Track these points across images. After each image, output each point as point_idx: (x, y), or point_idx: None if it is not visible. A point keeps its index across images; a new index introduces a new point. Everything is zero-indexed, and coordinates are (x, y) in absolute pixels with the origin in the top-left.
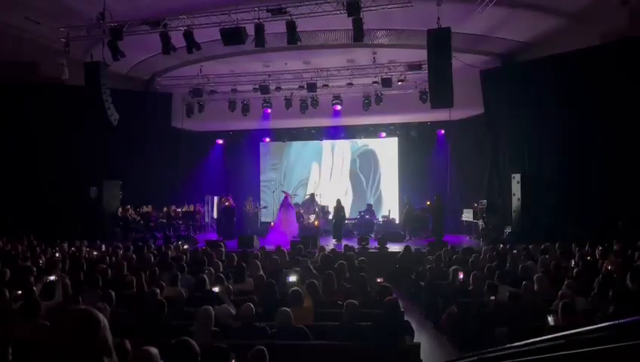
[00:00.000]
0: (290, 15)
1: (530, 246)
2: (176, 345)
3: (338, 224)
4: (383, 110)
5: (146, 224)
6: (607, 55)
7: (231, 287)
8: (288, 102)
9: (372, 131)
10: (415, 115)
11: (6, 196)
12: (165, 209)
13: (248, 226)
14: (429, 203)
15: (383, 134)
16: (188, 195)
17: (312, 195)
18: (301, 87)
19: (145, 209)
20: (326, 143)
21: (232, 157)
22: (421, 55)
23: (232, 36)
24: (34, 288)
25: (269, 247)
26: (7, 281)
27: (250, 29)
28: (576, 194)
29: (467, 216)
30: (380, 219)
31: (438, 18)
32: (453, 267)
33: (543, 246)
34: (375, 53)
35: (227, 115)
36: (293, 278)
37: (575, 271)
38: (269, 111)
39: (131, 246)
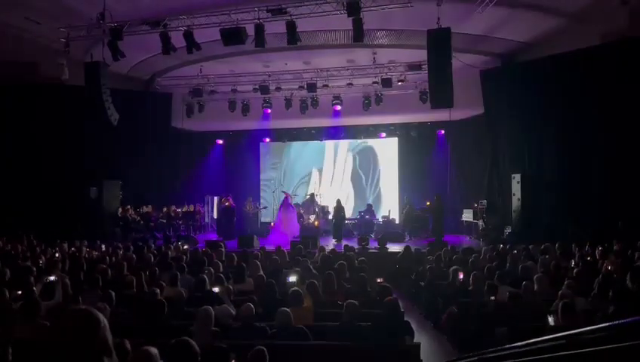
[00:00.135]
0: (290, 15)
1: (530, 247)
2: (176, 345)
3: (338, 224)
4: (383, 110)
5: (146, 224)
6: (607, 55)
7: (231, 287)
8: (288, 102)
9: (372, 131)
10: (415, 115)
11: (6, 196)
12: (165, 209)
13: (248, 226)
14: (428, 203)
15: (383, 134)
16: (188, 195)
17: (312, 195)
18: (301, 88)
19: (145, 209)
20: (326, 143)
21: (232, 158)
22: (421, 55)
23: (232, 36)
24: (34, 288)
25: (269, 247)
26: (7, 281)
27: (250, 29)
28: (576, 194)
29: (467, 216)
30: (380, 219)
31: (438, 18)
32: (453, 267)
33: (543, 247)
34: (375, 54)
35: (227, 115)
36: (293, 278)
37: (575, 271)
38: (269, 111)
39: (131, 247)
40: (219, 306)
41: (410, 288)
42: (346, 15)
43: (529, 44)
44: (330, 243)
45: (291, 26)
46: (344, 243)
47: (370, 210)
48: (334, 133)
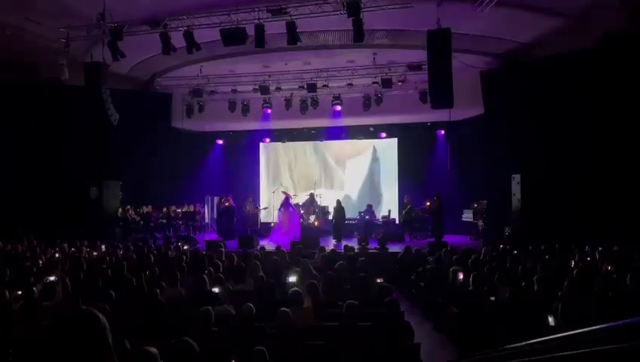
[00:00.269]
0: (290, 15)
1: (530, 247)
2: (176, 345)
3: (338, 224)
4: (383, 110)
5: (146, 224)
6: (607, 55)
7: (231, 288)
8: (288, 102)
9: (372, 132)
10: (415, 116)
11: (6, 196)
12: (165, 209)
13: (248, 227)
14: (428, 203)
15: (383, 135)
16: (188, 195)
17: (312, 195)
18: (301, 88)
19: (145, 209)
20: (326, 143)
21: (232, 158)
22: (421, 55)
23: (232, 37)
24: (34, 288)
25: (269, 248)
26: (7, 281)
27: (250, 30)
28: (577, 194)
29: (467, 216)
30: (380, 220)
31: (438, 19)
32: (453, 267)
33: (543, 247)
34: (375, 54)
35: (227, 116)
36: (293, 279)
37: (575, 271)
38: (269, 111)
39: (131, 247)
40: (219, 306)
41: (411, 288)
42: (346, 15)
43: (529, 45)
44: (330, 244)
45: (291, 27)
46: (344, 243)
47: (370, 210)
48: (334, 133)
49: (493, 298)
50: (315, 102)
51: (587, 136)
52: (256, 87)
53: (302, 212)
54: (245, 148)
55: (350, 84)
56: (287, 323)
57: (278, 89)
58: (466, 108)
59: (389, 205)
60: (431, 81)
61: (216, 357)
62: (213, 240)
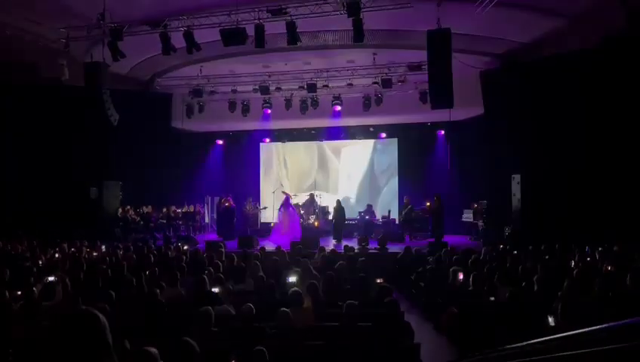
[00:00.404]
0: (290, 16)
1: (530, 247)
2: (176, 345)
3: (338, 224)
4: (383, 111)
5: (146, 224)
6: (607, 55)
7: (231, 288)
8: (288, 102)
9: (372, 132)
10: (415, 116)
11: (6, 196)
12: (165, 209)
13: (248, 227)
14: (428, 204)
15: (383, 135)
16: (188, 196)
17: (312, 196)
18: (301, 88)
19: (145, 209)
20: (326, 144)
21: (232, 158)
22: (421, 55)
23: (232, 37)
24: (34, 288)
25: (269, 248)
26: (7, 281)
27: (250, 30)
28: (577, 194)
29: (467, 216)
30: (380, 220)
31: (438, 19)
32: (453, 268)
33: (543, 247)
34: (375, 54)
35: (227, 116)
36: (293, 279)
37: (575, 271)
38: (269, 111)
39: (131, 247)
40: (219, 306)
41: (411, 288)
42: (346, 15)
43: (529, 45)
44: (330, 244)
45: (291, 27)
46: (344, 243)
47: (370, 210)
48: (334, 133)
49: (493, 298)
50: (315, 103)
51: (587, 136)
52: (256, 87)
53: (302, 212)
54: (245, 148)
55: (350, 84)
56: (287, 324)
57: (278, 89)
58: (466, 108)
59: (389, 205)
60: (431, 81)
61: (216, 357)
62: (213, 241)
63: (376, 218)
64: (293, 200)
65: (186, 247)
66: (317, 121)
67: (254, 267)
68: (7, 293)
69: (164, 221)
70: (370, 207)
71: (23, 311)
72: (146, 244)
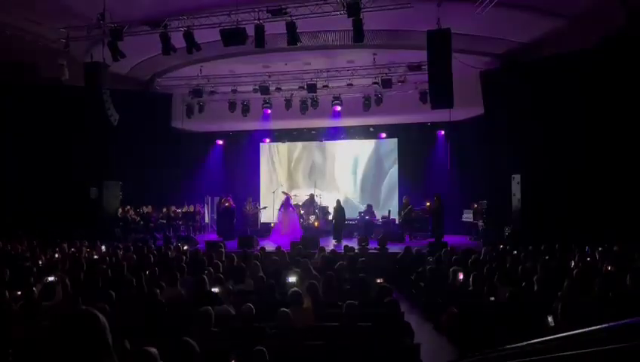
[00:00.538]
0: (290, 16)
1: (530, 247)
2: (177, 345)
3: (338, 225)
4: (383, 111)
5: (146, 224)
6: (607, 55)
7: (231, 288)
8: (288, 102)
9: (372, 132)
10: (415, 116)
11: (6, 196)
12: (165, 209)
13: (248, 227)
14: (428, 204)
15: (383, 135)
16: (188, 196)
17: (312, 196)
18: (301, 88)
19: (145, 209)
20: (326, 144)
21: (232, 158)
22: (421, 55)
23: (233, 37)
24: (34, 288)
25: (269, 248)
26: (7, 281)
27: (251, 30)
28: (577, 194)
29: (467, 216)
30: (380, 220)
31: (438, 19)
32: (453, 268)
33: (542, 247)
34: (375, 54)
35: (227, 116)
36: (293, 279)
37: (575, 271)
38: (269, 111)
39: (131, 247)
40: (219, 306)
41: (411, 288)
42: (346, 16)
43: (529, 45)
44: (330, 244)
45: (291, 27)
46: (344, 243)
47: (370, 210)
48: (334, 133)
49: (493, 298)
50: (315, 103)
51: (587, 136)
52: (256, 87)
53: (302, 212)
54: (245, 149)
55: (350, 85)
56: (287, 324)
57: (278, 89)
58: (466, 108)
59: (389, 205)
60: (431, 81)
61: (216, 357)
62: (213, 241)
63: (376, 218)
64: (293, 201)
65: (186, 247)
66: (317, 121)
67: (254, 267)
68: (7, 293)
69: (164, 221)
70: (370, 207)
71: (23, 311)
72: (146, 244)
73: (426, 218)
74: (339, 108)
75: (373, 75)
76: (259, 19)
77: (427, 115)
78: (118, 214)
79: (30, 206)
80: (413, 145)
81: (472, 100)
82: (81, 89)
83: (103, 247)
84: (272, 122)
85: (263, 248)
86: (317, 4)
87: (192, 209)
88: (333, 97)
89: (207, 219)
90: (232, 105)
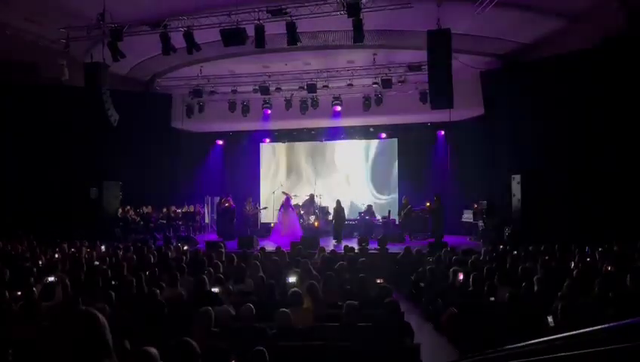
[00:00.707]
0: (290, 16)
1: (530, 247)
2: (177, 345)
3: (338, 225)
4: (383, 111)
5: (146, 225)
6: (607, 55)
7: (231, 288)
8: (288, 102)
9: (372, 132)
10: (415, 116)
11: (6, 196)
12: (165, 210)
13: (248, 227)
14: (428, 204)
15: (383, 135)
16: (188, 196)
17: (312, 196)
18: (301, 88)
19: (145, 209)
20: (326, 144)
21: (232, 158)
22: (421, 56)
23: (233, 37)
24: (34, 289)
25: (269, 248)
26: (7, 282)
27: (251, 30)
28: (577, 194)
29: (467, 216)
30: (380, 220)
31: (438, 19)
32: (453, 268)
33: (542, 247)
34: (375, 54)
35: (227, 116)
36: (293, 279)
37: (575, 272)
38: (269, 112)
39: (131, 247)
40: (219, 307)
41: (411, 289)
42: (346, 16)
43: (529, 45)
44: (330, 244)
45: (291, 27)
46: (344, 243)
47: (370, 210)
48: (334, 133)
49: (493, 298)
50: (315, 103)
51: (587, 136)
52: (257, 87)
53: (302, 212)
54: (245, 149)
55: (350, 85)
56: (287, 324)
57: (278, 89)
58: (466, 108)
59: (389, 205)
60: (431, 82)
61: (216, 357)
62: (213, 241)
63: (376, 218)
64: (293, 201)
65: (186, 248)
66: (317, 121)
67: (254, 267)
68: (7, 293)
69: (164, 221)
70: (370, 207)
71: (23, 311)
72: (146, 245)
73: (426, 218)
74: (339, 108)
75: (373, 75)
76: (259, 20)
77: (427, 115)
78: (118, 214)
79: (30, 206)
80: (413, 145)
81: (472, 100)
82: (81, 89)
83: (103, 247)
84: (272, 122)
85: (263, 248)
86: (317, 4)
87: (192, 209)
88: (333, 97)
89: (207, 220)
90: (232, 106)
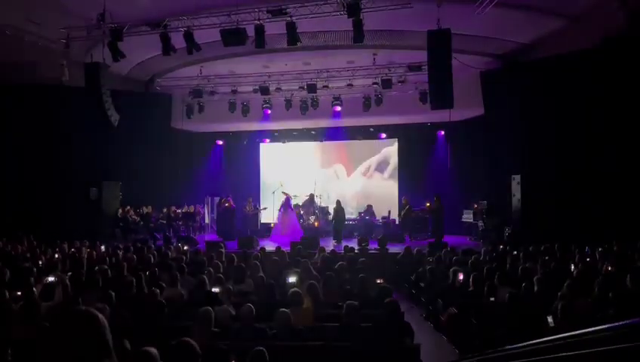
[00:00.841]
0: (291, 16)
1: (530, 248)
2: (177, 346)
3: (338, 225)
4: (383, 111)
5: (146, 225)
6: (607, 55)
7: (231, 288)
8: (288, 103)
9: (372, 132)
10: (415, 116)
11: (6, 196)
12: (165, 210)
13: (248, 227)
14: (428, 204)
15: (383, 135)
16: (188, 196)
17: (312, 196)
18: (301, 88)
19: (145, 210)
20: (326, 144)
21: (232, 158)
22: (421, 56)
23: (233, 37)
24: (34, 289)
25: (269, 248)
26: (7, 282)
27: (251, 30)
28: (577, 194)
29: (467, 216)
30: (380, 220)
31: (438, 19)
32: (453, 268)
33: (542, 248)
34: (375, 55)
35: (227, 116)
36: (293, 279)
37: (575, 272)
38: (269, 112)
39: (131, 247)
40: (219, 307)
41: (411, 289)
42: (346, 16)
43: (529, 45)
44: (330, 244)
45: (291, 27)
46: (344, 244)
47: (370, 210)
48: (334, 133)
49: (493, 298)
50: (315, 103)
51: (587, 136)
52: (257, 87)
53: (302, 212)
54: (245, 149)
55: (350, 85)
56: (287, 324)
57: (278, 89)
58: (466, 108)
59: (389, 205)
60: (431, 82)
61: (216, 357)
62: (213, 241)
63: (377, 218)
64: (293, 201)
65: (186, 248)
66: (317, 121)
67: (254, 267)
68: (7, 293)
69: (164, 221)
70: (370, 207)
71: (23, 311)
72: (146, 245)
73: (426, 218)
74: (339, 108)
75: (373, 76)
76: (259, 20)
77: (427, 115)
78: (118, 214)
79: (30, 206)
80: (413, 145)
81: (472, 100)
82: (81, 89)
83: (103, 247)
84: (272, 122)
85: (263, 248)
86: (317, 5)
87: (192, 209)
88: (333, 97)
89: (207, 220)
90: (232, 106)
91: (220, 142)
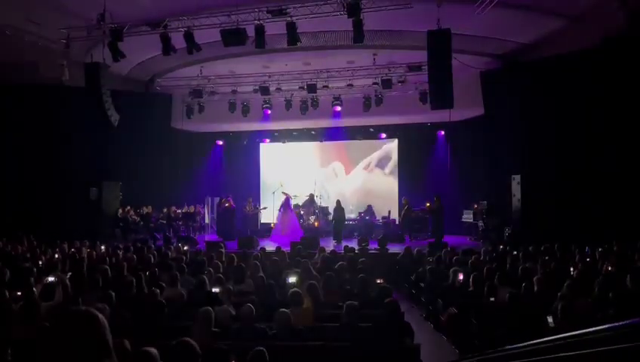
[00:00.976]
0: (291, 16)
1: (530, 248)
2: (177, 346)
3: (338, 225)
4: (383, 111)
5: (146, 225)
6: (607, 55)
7: (231, 288)
8: (288, 103)
9: (372, 132)
10: (415, 116)
11: (6, 196)
12: (165, 210)
13: (248, 227)
14: (428, 204)
15: (383, 135)
16: (188, 196)
17: (312, 196)
18: (301, 88)
19: (145, 210)
20: (326, 144)
21: (232, 158)
22: (421, 56)
23: (233, 37)
24: (34, 289)
25: (269, 248)
26: (7, 282)
27: (251, 30)
28: (577, 194)
29: (467, 216)
30: (380, 220)
31: (438, 19)
32: (453, 268)
33: (543, 248)
34: (375, 55)
35: (227, 116)
36: (293, 279)
37: (575, 272)
38: (269, 112)
39: (131, 247)
40: (219, 307)
41: (411, 289)
42: (346, 16)
43: (529, 45)
44: (330, 244)
45: (291, 27)
46: (344, 244)
47: (370, 210)
48: (334, 133)
49: (493, 298)
50: (315, 103)
51: (587, 136)
52: (257, 87)
53: (302, 212)
54: (245, 149)
55: (350, 85)
56: (287, 324)
57: (278, 89)
58: (466, 108)
59: (389, 205)
60: (431, 82)
61: (216, 357)
62: (213, 241)
63: (377, 218)
64: (293, 201)
65: (186, 248)
66: (317, 121)
67: (254, 267)
68: (7, 293)
69: (164, 221)
70: (370, 207)
71: (23, 311)
72: (146, 245)
73: (426, 218)
74: (339, 108)
75: (374, 76)
76: (259, 20)
77: (427, 115)
78: (118, 214)
79: (30, 206)
80: (413, 145)
81: (472, 100)
82: (81, 89)
83: (103, 247)
84: (272, 122)
85: (263, 248)
86: (317, 5)
87: (192, 209)
88: (334, 97)
89: (207, 220)
90: (232, 106)
91: (220, 142)
